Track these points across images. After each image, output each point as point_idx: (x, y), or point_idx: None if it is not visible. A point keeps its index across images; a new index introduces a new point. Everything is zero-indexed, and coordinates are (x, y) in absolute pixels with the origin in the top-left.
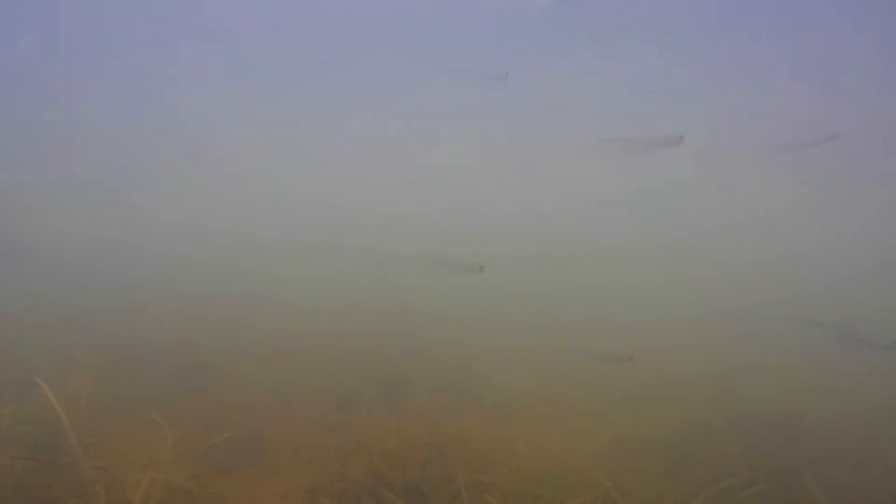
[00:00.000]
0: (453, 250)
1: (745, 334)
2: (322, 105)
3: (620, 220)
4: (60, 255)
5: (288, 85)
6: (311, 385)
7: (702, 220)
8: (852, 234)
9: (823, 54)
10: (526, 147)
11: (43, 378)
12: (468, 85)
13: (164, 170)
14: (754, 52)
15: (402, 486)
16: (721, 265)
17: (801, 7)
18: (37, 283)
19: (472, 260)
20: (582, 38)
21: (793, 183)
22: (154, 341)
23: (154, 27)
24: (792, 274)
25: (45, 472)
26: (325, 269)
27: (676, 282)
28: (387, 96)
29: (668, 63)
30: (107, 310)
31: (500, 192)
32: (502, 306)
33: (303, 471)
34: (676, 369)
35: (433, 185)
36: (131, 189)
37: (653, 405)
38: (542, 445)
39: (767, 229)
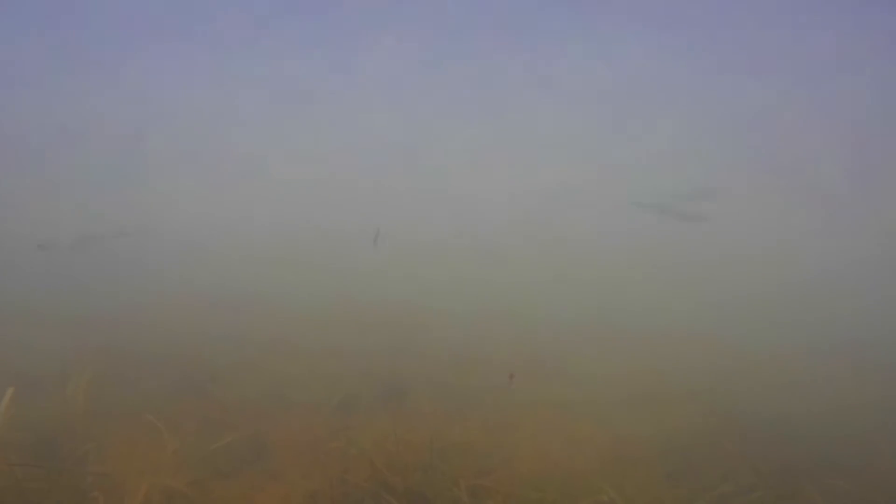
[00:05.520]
0: (455, 255)
1: (745, 335)
2: (324, 107)
3: (621, 217)
4: (60, 256)
5: (290, 85)
6: (312, 389)
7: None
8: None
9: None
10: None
11: (43, 381)
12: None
13: (165, 171)
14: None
15: (403, 491)
16: (720, 266)
17: None
18: (36, 284)
19: (474, 263)
20: None
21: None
22: (154, 345)
23: (155, 27)
24: (789, 274)
25: (44, 478)
26: (325, 271)
27: (676, 284)
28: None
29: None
30: (106, 312)
31: (501, 191)
32: (503, 308)
33: (304, 475)
34: (677, 371)
35: (434, 186)
36: (132, 190)
37: (653, 408)
38: (543, 449)
39: (766, 228)
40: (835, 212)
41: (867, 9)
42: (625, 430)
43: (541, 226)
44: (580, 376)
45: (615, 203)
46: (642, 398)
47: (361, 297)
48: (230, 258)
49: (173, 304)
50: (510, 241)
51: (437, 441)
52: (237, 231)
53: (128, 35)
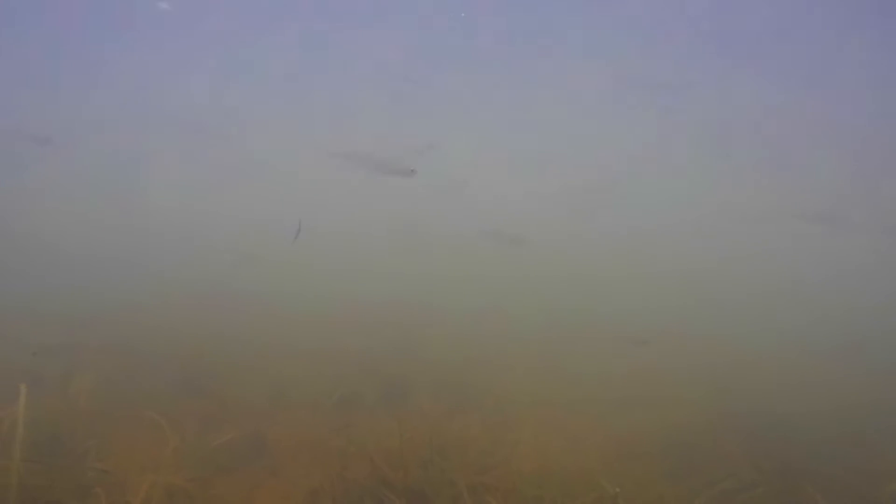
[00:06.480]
0: (455, 255)
1: (745, 335)
2: (321, 102)
3: (621, 214)
4: (61, 255)
5: (289, 84)
6: (313, 386)
7: (698, 218)
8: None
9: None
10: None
11: (44, 378)
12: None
13: (165, 170)
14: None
15: (403, 488)
16: (721, 263)
17: None
18: (37, 283)
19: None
20: None
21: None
22: (155, 344)
23: (155, 26)
24: (788, 274)
25: (45, 474)
26: (325, 269)
27: (677, 280)
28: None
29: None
30: (107, 310)
31: (501, 192)
32: (503, 307)
33: (304, 472)
34: (677, 370)
35: (434, 185)
36: (132, 189)
37: (653, 405)
38: (543, 447)
39: (764, 228)
40: (835, 212)
41: (867, 8)
42: (625, 428)
43: (541, 225)
44: (580, 375)
45: (616, 203)
46: (642, 396)
47: (362, 296)
48: (230, 258)
49: (173, 304)
50: (510, 241)
51: (437, 438)
52: (237, 230)
53: (125, 31)
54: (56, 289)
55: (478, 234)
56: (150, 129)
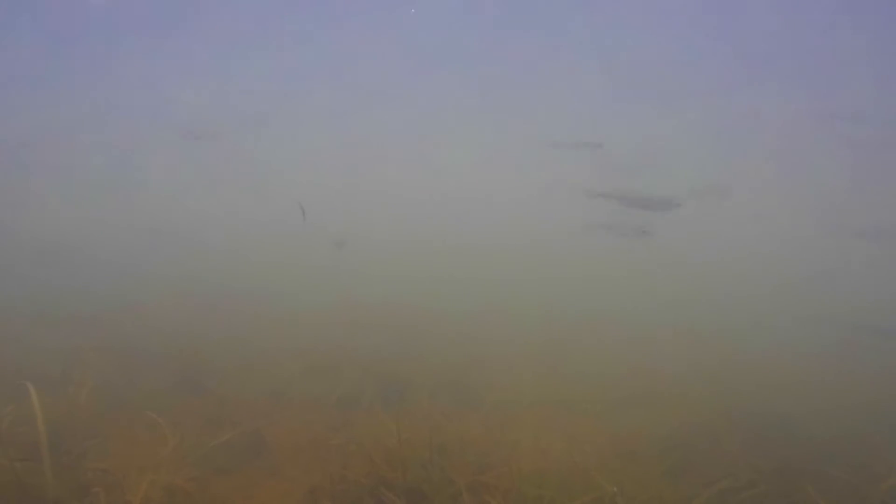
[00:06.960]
0: (454, 254)
1: (745, 333)
2: (322, 103)
3: (620, 214)
4: (60, 254)
5: (289, 83)
6: (312, 385)
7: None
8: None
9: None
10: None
11: (43, 378)
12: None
13: (165, 169)
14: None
15: (402, 488)
16: (721, 262)
17: None
18: (36, 283)
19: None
20: None
21: (788, 180)
22: (154, 342)
23: (155, 24)
24: (788, 273)
25: (45, 474)
26: (325, 268)
27: (676, 280)
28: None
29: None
30: (107, 310)
31: (501, 191)
32: (503, 306)
33: (303, 472)
34: (676, 369)
35: (427, 183)
36: (132, 188)
37: (653, 405)
38: (543, 446)
39: (764, 227)
40: (834, 211)
41: (867, 8)
42: (624, 428)
43: (540, 224)
44: (580, 374)
45: (614, 200)
46: (642, 396)
47: (362, 296)
48: (230, 258)
49: (173, 304)
50: (510, 239)
51: (436, 438)
52: (237, 230)
53: (124, 33)
54: (56, 289)
55: (477, 232)
56: (149, 128)
